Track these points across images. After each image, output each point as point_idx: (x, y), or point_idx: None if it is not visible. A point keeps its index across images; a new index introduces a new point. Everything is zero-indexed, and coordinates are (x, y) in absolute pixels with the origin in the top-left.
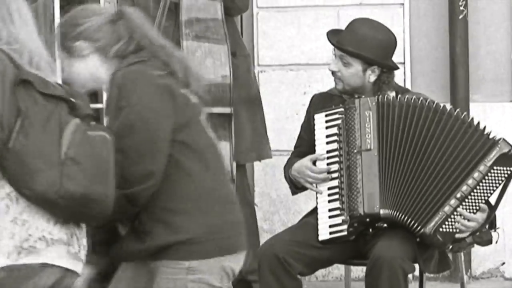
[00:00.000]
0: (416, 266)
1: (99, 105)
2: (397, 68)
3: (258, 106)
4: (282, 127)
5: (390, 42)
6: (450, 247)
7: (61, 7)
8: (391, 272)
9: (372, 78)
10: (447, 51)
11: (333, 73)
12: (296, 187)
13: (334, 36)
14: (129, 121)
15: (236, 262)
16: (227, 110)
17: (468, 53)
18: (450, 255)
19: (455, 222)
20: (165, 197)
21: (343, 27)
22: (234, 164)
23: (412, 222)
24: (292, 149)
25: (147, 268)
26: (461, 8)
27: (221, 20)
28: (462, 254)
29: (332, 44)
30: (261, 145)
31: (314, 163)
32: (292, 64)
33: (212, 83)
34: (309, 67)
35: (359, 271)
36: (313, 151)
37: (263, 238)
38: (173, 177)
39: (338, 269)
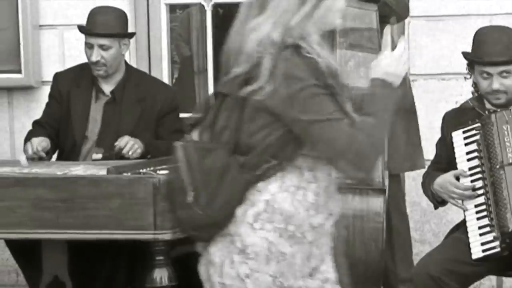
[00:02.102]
0: None
1: None
2: None
3: (413, 116)
4: (433, 137)
5: None
6: None
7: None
8: None
9: None
10: None
11: (495, 91)
12: (437, 201)
13: (471, 55)
14: None
15: None
16: None
17: None
18: None
19: None
20: None
21: None
22: (386, 174)
23: None
24: None
25: None
26: None
27: (376, 29)
28: None
29: (488, 64)
30: (415, 155)
31: (457, 178)
32: (444, 73)
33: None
34: (460, 77)
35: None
36: (452, 168)
37: (414, 248)
38: None
39: (489, 280)
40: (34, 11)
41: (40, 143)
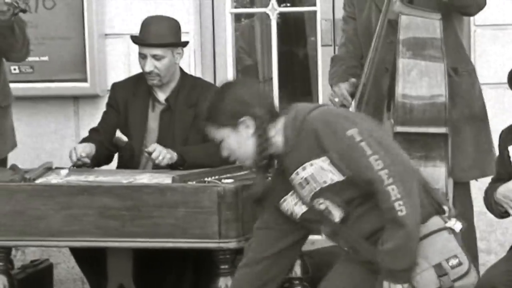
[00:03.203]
0: None
1: None
2: None
3: (483, 122)
4: None
5: None
6: None
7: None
8: None
9: None
10: None
11: None
12: (501, 212)
13: None
14: None
15: None
16: (442, 130)
17: None
18: None
19: None
20: None
21: None
22: (450, 182)
23: None
24: None
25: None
26: None
27: (439, 38)
28: None
29: None
30: (485, 161)
31: None
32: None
33: (427, 102)
34: None
35: None
36: None
37: (480, 258)
38: None
39: None
40: (100, 20)
41: (84, 149)
